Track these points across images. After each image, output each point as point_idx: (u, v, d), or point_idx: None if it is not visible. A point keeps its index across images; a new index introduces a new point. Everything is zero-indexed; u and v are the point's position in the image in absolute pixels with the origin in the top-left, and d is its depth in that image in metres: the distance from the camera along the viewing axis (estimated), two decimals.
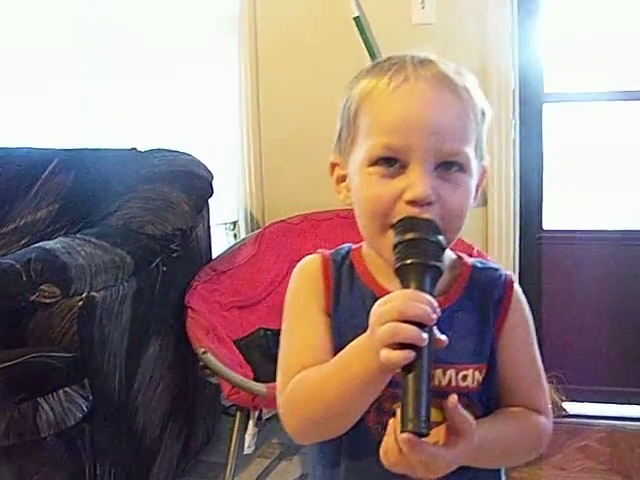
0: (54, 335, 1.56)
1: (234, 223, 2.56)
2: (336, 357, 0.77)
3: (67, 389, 1.50)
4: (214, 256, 2.22)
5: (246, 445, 1.88)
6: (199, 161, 2.17)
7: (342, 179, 0.85)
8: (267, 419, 2.00)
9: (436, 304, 0.69)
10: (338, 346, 0.79)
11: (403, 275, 0.72)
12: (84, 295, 1.58)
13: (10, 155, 2.36)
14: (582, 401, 2.39)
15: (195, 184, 2.08)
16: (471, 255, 2.35)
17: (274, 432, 2.29)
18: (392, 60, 0.80)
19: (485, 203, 2.33)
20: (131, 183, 2.07)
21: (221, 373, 1.80)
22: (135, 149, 2.26)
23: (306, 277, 0.86)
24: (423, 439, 0.68)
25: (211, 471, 2.12)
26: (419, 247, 0.72)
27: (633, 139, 2.37)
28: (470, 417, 0.73)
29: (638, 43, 2.29)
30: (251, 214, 2.53)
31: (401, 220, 0.75)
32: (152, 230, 1.85)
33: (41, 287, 1.53)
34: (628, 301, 2.36)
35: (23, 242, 2.16)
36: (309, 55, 2.42)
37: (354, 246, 0.89)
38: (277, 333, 0.88)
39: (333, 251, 0.88)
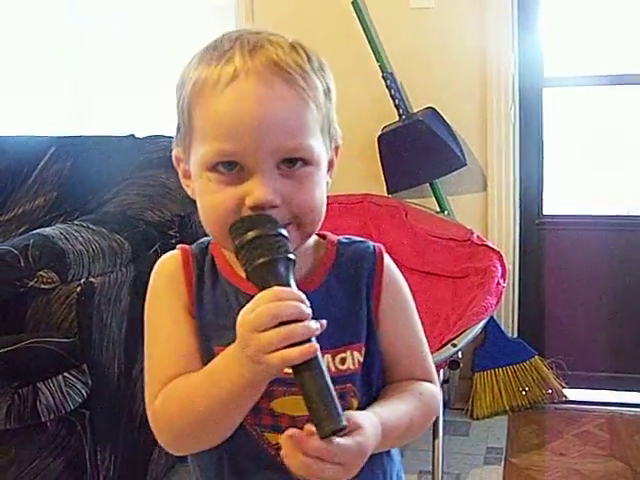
0: (53, 321, 1.56)
1: None
2: (205, 369, 0.72)
3: (66, 374, 1.50)
4: None
5: None
6: None
7: (188, 174, 0.79)
8: None
9: (303, 296, 0.65)
10: (205, 349, 0.76)
11: (258, 277, 0.67)
12: (82, 281, 1.58)
13: (7, 144, 2.35)
14: (582, 387, 2.39)
15: None
16: (469, 240, 2.33)
17: None
18: (224, 46, 0.73)
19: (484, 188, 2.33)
20: (129, 170, 2.06)
21: None
22: (133, 136, 2.24)
23: (166, 275, 0.79)
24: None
25: None
26: (263, 245, 0.68)
27: (633, 123, 2.36)
28: (359, 418, 0.69)
29: (637, 27, 2.28)
30: None
31: (234, 224, 0.70)
32: (150, 216, 1.85)
33: (39, 273, 1.52)
34: (629, 287, 2.35)
35: (21, 230, 2.16)
36: (307, 39, 2.39)
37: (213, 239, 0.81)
38: None
39: (194, 245, 0.82)
